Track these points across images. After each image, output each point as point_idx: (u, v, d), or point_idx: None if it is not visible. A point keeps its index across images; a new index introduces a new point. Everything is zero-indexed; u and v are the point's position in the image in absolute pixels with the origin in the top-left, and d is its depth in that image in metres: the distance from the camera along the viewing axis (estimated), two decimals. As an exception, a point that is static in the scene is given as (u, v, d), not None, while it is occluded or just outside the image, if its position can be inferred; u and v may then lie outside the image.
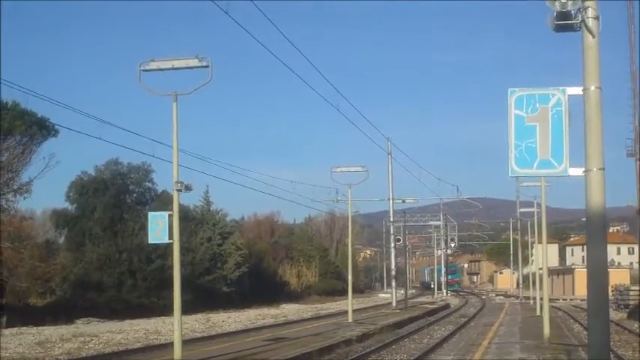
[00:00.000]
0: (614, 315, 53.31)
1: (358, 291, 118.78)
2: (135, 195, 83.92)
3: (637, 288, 62.96)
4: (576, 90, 8.43)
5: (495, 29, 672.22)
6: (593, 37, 8.34)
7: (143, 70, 22.87)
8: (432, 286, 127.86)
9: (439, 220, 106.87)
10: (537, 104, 8.46)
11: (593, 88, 8.30)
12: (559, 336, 35.34)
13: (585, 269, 8.63)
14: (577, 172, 8.40)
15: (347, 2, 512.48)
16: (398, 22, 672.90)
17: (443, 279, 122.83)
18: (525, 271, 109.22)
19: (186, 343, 27.13)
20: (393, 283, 69.98)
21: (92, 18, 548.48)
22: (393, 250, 72.75)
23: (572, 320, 51.62)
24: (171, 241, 23.07)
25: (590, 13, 8.47)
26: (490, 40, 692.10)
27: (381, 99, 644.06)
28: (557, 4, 8.43)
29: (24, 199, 60.09)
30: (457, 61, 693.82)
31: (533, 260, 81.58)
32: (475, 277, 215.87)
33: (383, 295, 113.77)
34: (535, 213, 55.36)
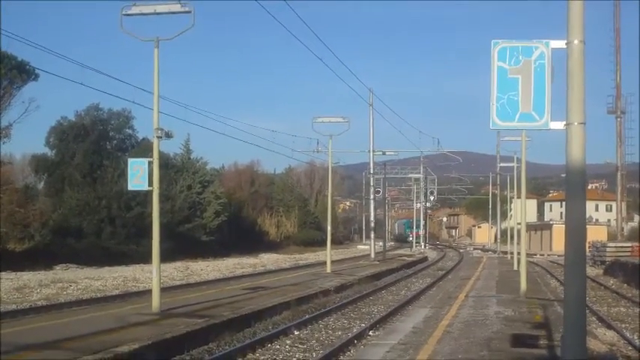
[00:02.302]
0: (591, 271, 53.79)
1: (337, 242, 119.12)
2: (115, 141, 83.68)
3: (613, 245, 63.47)
4: (560, 43, 8.38)
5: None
6: (578, -10, 8.27)
7: (125, 15, 22.67)
8: (409, 239, 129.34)
9: (419, 172, 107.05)
10: (520, 57, 8.41)
11: (576, 41, 8.24)
12: (535, 291, 35.61)
13: (563, 225, 8.64)
14: (558, 125, 8.37)
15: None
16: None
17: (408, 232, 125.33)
18: (503, 225, 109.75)
19: (164, 290, 27.20)
20: (372, 235, 70.18)
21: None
22: (372, 202, 72.84)
23: (548, 275, 52.06)
24: (150, 188, 23.04)
25: (576, -35, 8.40)
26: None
27: (365, 51, 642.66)
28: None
29: (3, 143, 59.95)
30: (440, 14, 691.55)
31: (511, 215, 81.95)
32: (453, 230, 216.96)
33: (362, 246, 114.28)
34: (515, 168, 55.51)
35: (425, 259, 77.12)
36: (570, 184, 8.29)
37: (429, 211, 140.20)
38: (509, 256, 69.65)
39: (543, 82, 8.40)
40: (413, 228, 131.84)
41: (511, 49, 8.45)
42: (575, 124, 8.17)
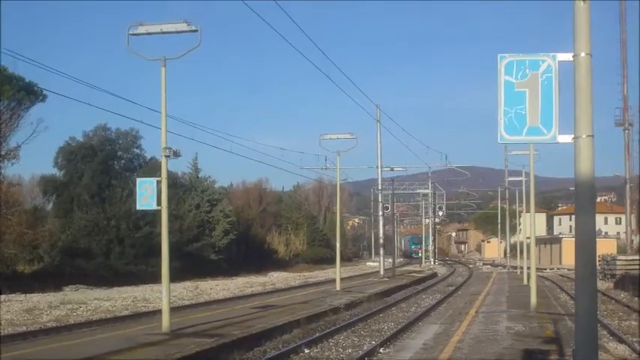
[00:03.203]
0: (601, 284, 53.56)
1: (346, 259, 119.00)
2: (123, 161, 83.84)
3: (624, 258, 63.24)
4: (566, 56, 8.35)
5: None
6: (584, 2, 8.25)
7: (132, 35, 22.74)
8: (415, 255, 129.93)
9: (427, 188, 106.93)
10: (527, 70, 8.38)
11: (583, 54, 8.22)
12: (546, 305, 35.49)
13: (573, 238, 8.59)
14: (566, 139, 8.34)
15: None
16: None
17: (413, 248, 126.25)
18: (513, 240, 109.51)
19: (174, 310, 27.17)
20: (381, 252, 70.07)
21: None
22: (381, 218, 72.75)
23: (559, 289, 51.85)
24: (159, 207, 23.04)
25: (582, -22, 8.38)
26: (480, 10, 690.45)
27: (372, 68, 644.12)
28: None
29: (12, 164, 59.89)
30: (447, 30, 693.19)
31: (520, 229, 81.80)
32: (463, 245, 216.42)
33: (371, 263, 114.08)
34: (523, 182, 55.47)
35: (434, 274, 76.90)
36: (579, 198, 8.24)
37: (437, 226, 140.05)
38: (518, 270, 69.46)
39: (551, 96, 8.37)
40: (418, 244, 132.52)
41: (518, 62, 8.43)
42: (584, 137, 8.13)
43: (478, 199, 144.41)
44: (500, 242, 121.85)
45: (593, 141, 8.19)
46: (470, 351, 20.27)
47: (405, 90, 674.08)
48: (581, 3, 8.24)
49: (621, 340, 24.74)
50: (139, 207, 24.14)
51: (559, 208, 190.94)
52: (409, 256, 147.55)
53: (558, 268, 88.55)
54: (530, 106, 8.37)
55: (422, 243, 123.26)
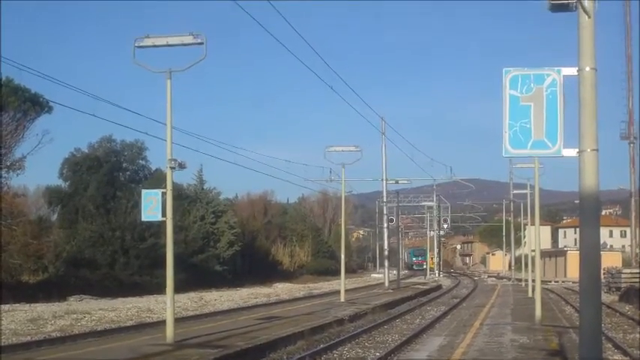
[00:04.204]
0: (606, 297, 53.48)
1: (351, 271, 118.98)
2: (128, 173, 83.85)
3: (628, 271, 63.13)
4: (571, 70, 8.40)
5: (489, 12, 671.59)
6: (589, 17, 8.30)
7: (138, 47, 22.82)
8: (416, 267, 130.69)
9: (432, 200, 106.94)
10: (532, 84, 8.43)
11: (588, 68, 8.27)
12: (551, 318, 35.44)
13: (577, 251, 8.63)
14: (571, 152, 8.38)
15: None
16: (391, 5, 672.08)
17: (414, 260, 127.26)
18: (518, 252, 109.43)
19: (178, 321, 27.17)
20: (386, 264, 70.08)
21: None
22: (385, 230, 72.82)
23: (563, 302, 51.77)
24: (164, 218, 23.09)
25: (586, -7, 8.43)
26: (483, 24, 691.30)
27: (376, 80, 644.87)
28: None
29: (17, 175, 59.95)
30: (451, 43, 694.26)
31: (525, 242, 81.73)
32: (467, 258, 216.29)
33: (375, 275, 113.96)
34: (528, 195, 55.42)
35: (439, 287, 76.85)
36: (584, 211, 8.28)
37: (442, 238, 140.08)
38: (523, 283, 69.39)
39: (555, 110, 8.42)
40: (419, 256, 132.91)
41: (523, 76, 8.48)
42: (588, 150, 8.18)
43: (483, 211, 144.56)
44: (505, 255, 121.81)
45: (598, 155, 8.23)
46: (474, 363, 20.26)
47: (409, 101, 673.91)
48: (586, 18, 8.30)
49: (626, 353, 24.69)
50: (144, 218, 24.19)
51: (564, 221, 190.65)
52: (410, 268, 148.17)
53: (563, 281, 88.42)
54: (535, 120, 8.42)
55: (422, 255, 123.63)
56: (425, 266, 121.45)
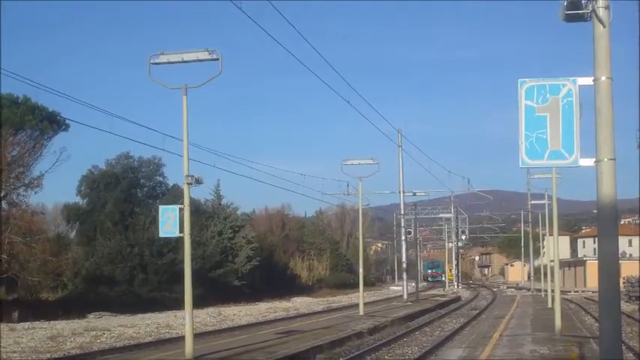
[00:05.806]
0: (626, 307, 53.21)
1: (369, 284, 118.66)
2: (146, 189, 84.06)
3: (648, 280, 62.81)
4: (587, 80, 8.39)
5: (506, 24, 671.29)
6: (604, 26, 8.29)
7: (153, 64, 22.91)
8: (431, 278, 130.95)
9: (450, 212, 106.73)
10: (548, 95, 8.42)
11: (603, 78, 8.25)
12: (571, 328, 35.28)
13: (597, 261, 8.60)
14: (588, 162, 8.37)
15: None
16: (409, 18, 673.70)
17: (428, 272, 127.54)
18: (536, 263, 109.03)
19: (197, 336, 27.19)
20: (404, 276, 69.94)
21: (102, 13, 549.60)
22: (404, 242, 72.67)
23: (583, 312, 51.54)
24: (182, 234, 23.12)
25: (601, 2, 8.43)
26: (500, 35, 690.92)
27: (392, 93, 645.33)
28: (567, -6, 8.40)
29: (35, 193, 60.27)
30: (468, 55, 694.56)
31: (544, 252, 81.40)
32: (486, 269, 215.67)
33: (394, 287, 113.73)
34: (546, 205, 55.29)
35: (458, 298, 76.61)
36: (602, 220, 8.26)
37: (460, 250, 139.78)
38: (543, 293, 69.07)
39: (572, 119, 8.40)
40: (433, 268, 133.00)
41: (538, 87, 8.47)
42: (605, 160, 8.16)
43: (501, 222, 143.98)
44: (524, 265, 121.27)
45: (615, 164, 8.21)
46: (495, 375, 20.18)
47: (426, 115, 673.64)
48: (601, 28, 8.29)
49: (647, 363, 24.58)
50: (161, 234, 24.22)
51: (583, 231, 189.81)
52: (425, 280, 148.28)
53: (583, 291, 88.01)
54: (551, 130, 8.41)
55: (436, 267, 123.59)
56: (439, 278, 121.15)
